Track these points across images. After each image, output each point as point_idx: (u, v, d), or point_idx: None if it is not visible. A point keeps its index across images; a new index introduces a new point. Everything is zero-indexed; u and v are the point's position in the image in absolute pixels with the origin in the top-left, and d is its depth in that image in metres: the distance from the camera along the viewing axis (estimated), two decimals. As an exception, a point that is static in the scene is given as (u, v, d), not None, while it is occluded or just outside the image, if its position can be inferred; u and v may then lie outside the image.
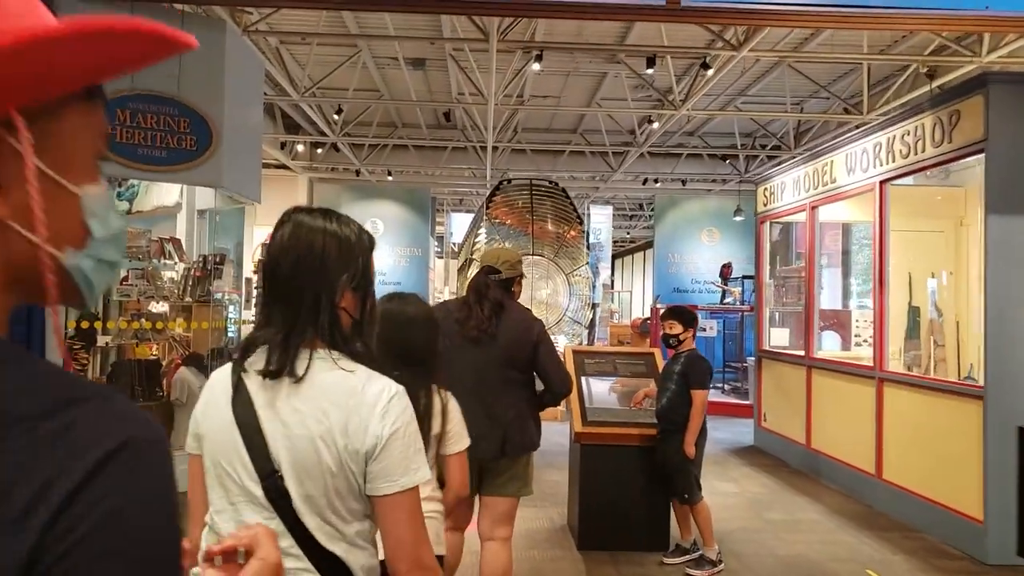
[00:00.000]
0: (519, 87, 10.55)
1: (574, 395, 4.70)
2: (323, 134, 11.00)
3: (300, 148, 12.10)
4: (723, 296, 12.99)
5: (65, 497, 0.50)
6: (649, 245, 24.98)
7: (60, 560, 0.50)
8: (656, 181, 14.22)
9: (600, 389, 4.91)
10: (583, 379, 4.90)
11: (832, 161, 6.86)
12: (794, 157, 11.34)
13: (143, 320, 6.37)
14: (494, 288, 3.39)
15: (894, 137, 5.85)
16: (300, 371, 1.34)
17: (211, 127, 6.12)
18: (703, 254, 15.11)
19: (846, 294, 9.88)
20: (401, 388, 1.37)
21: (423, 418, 2.10)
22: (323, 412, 1.32)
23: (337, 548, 1.32)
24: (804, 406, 7.17)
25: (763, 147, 12.95)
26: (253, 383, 1.37)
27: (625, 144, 13.29)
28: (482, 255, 3.90)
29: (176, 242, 6.89)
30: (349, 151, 12.50)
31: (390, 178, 13.91)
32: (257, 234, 11.69)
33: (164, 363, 6.42)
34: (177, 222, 7.64)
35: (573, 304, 10.92)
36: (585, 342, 10.77)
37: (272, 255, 1.43)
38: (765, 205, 8.50)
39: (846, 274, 9.93)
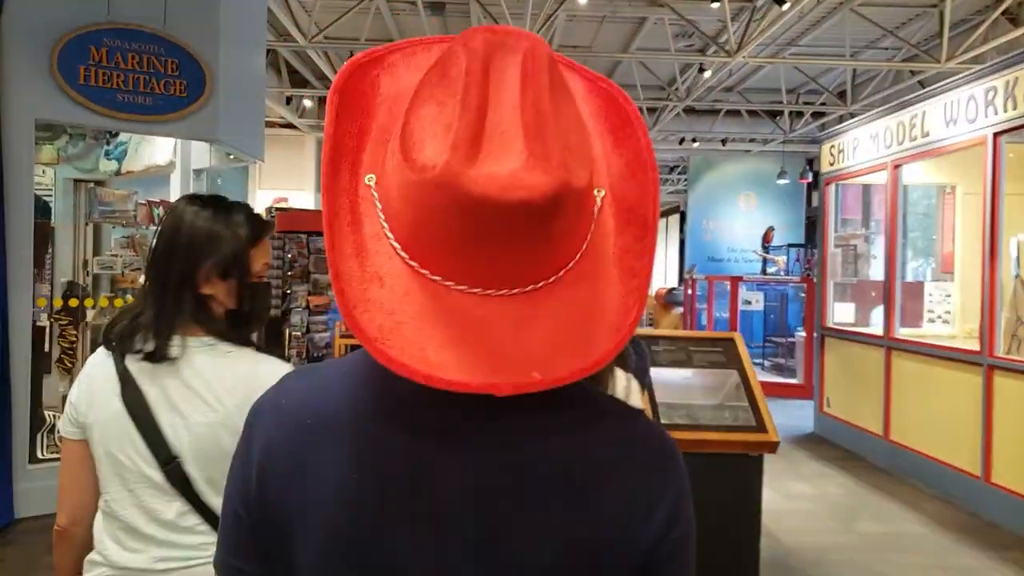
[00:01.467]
0: (548, 35, 9.56)
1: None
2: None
3: (308, 104, 11.17)
4: (764, 266, 12.06)
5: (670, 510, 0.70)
6: (675, 210, 23.97)
7: (665, 552, 0.69)
8: (694, 141, 13.21)
9: (673, 383, 4.05)
10: (650, 371, 4.03)
11: (924, 112, 5.89)
12: (852, 113, 10.34)
13: (128, 296, 5.55)
14: None
15: (1015, 81, 4.89)
16: (174, 355, 1.39)
17: (204, 70, 5.23)
18: (740, 220, 14.16)
19: (905, 264, 8.94)
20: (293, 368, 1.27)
21: None
22: (217, 399, 1.38)
23: None
24: (882, 392, 6.30)
25: (810, 103, 11.90)
26: (138, 372, 1.40)
27: (659, 100, 12.29)
28: None
29: (168, 206, 6.04)
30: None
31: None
32: (260, 197, 10.83)
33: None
34: (171, 183, 6.78)
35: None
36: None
37: (152, 242, 1.49)
38: (832, 164, 7.54)
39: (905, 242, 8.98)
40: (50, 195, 6.59)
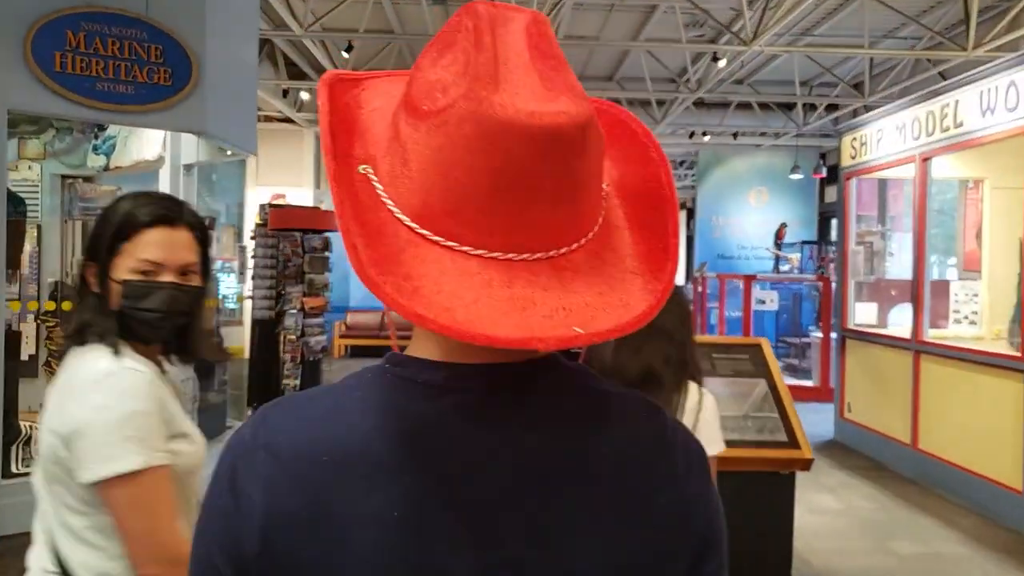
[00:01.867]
0: (554, 25, 9.21)
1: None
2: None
3: (305, 96, 10.83)
4: (777, 263, 11.71)
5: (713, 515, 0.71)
6: (681, 207, 23.64)
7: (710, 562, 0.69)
8: (704, 135, 12.85)
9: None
10: (672, 380, 3.71)
11: (957, 100, 5.54)
12: (868, 106, 9.98)
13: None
14: None
15: (1060, 63, 4.54)
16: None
17: (191, 57, 4.90)
18: (751, 217, 13.81)
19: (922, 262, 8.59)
20: (120, 368, 1.30)
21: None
22: (49, 400, 1.35)
23: (63, 543, 1.30)
24: (909, 398, 5.96)
25: (825, 95, 11.53)
26: None
27: (669, 92, 11.94)
28: None
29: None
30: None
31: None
32: (257, 194, 10.51)
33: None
34: (159, 179, 6.46)
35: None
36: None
37: None
38: (853, 158, 7.19)
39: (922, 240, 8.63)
40: (36, 192, 6.30)
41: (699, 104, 12.71)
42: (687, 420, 2.03)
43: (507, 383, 0.64)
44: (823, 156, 13.37)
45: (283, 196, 12.90)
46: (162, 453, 1.29)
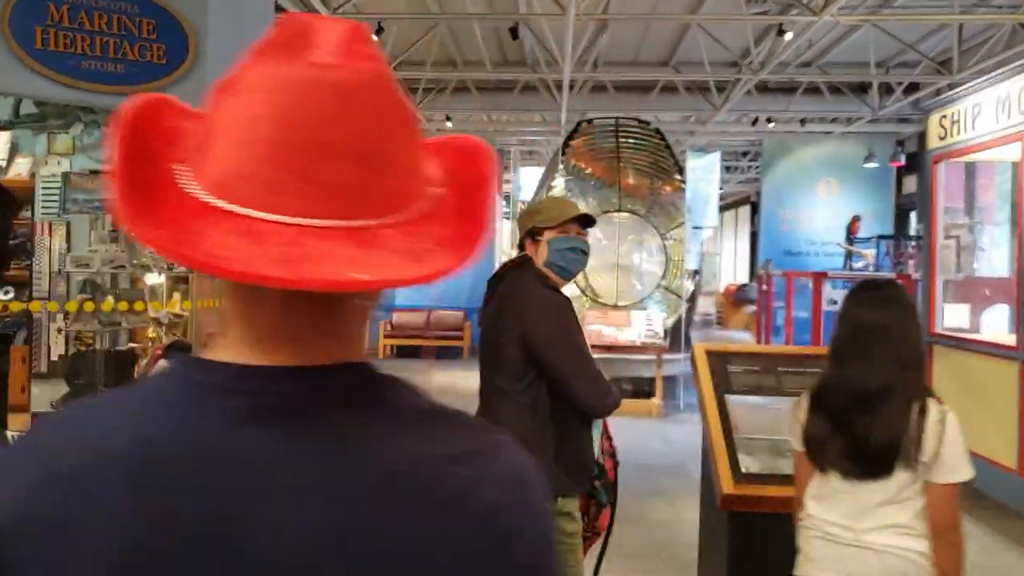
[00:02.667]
0: (602, 3, 8.53)
1: (715, 433, 2.85)
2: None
3: None
4: (848, 259, 10.75)
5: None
6: (745, 201, 22.54)
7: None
8: (769, 121, 11.95)
9: (759, 418, 3.03)
10: (726, 399, 3.02)
11: (1075, 63, 4.66)
12: (952, 85, 8.96)
13: (109, 298, 4.80)
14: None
15: None
16: None
17: (187, 33, 4.41)
18: (820, 210, 12.83)
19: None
20: None
21: (915, 438, 1.84)
22: None
23: None
24: (1015, 416, 5.09)
25: (906, 74, 10.51)
26: None
27: (729, 76, 11.10)
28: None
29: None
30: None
31: (449, 124, 12.09)
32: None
33: (146, 354, 4.87)
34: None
35: (669, 271, 8.96)
36: (683, 319, 8.81)
37: None
38: (943, 139, 6.29)
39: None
40: (58, 187, 6.01)
41: (763, 89, 11.82)
42: (929, 443, 1.84)
43: (291, 389, 0.58)
44: (901, 143, 12.30)
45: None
46: None
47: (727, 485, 2.68)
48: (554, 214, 2.38)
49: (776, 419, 3.24)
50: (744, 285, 18.43)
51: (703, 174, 14.73)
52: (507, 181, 15.96)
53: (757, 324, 11.69)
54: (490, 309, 2.34)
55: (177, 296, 5.14)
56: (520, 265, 2.38)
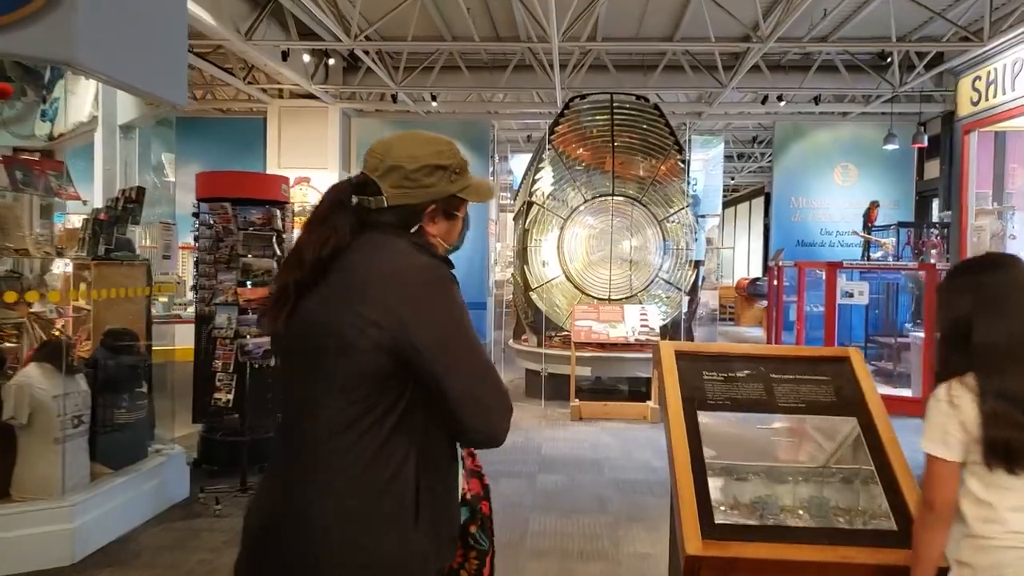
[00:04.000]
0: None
1: (679, 467, 2.11)
2: (339, 40, 8.45)
3: (306, 59, 9.66)
4: (866, 249, 9.90)
5: None
6: (759, 192, 21.63)
7: None
8: (780, 99, 11.11)
9: (741, 446, 2.28)
10: (699, 419, 2.26)
11: None
12: (985, 53, 8.10)
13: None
14: (346, 215, 1.49)
15: None
16: None
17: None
18: (836, 197, 11.98)
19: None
20: None
21: None
22: None
23: None
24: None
25: (930, 45, 9.64)
26: None
27: (735, 56, 10.29)
28: (370, 148, 1.58)
29: (55, 166, 4.60)
30: (379, 67, 9.99)
31: (434, 104, 11.34)
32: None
33: (23, 353, 4.18)
34: (95, 144, 5.36)
35: (668, 261, 8.18)
36: (685, 313, 8.03)
37: None
38: (976, 104, 5.48)
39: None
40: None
41: (774, 67, 11.00)
42: None
43: None
44: (923, 125, 11.42)
45: (307, 180, 11.89)
46: None
47: (692, 543, 1.92)
48: (483, 191, 1.62)
49: (768, 443, 2.47)
50: (756, 279, 17.60)
51: (710, 166, 13.91)
52: (508, 172, 15.18)
53: (768, 319, 10.89)
54: (317, 295, 1.44)
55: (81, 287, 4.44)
56: (401, 240, 1.49)
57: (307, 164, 11.46)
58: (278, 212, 4.59)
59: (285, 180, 4.87)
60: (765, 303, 15.57)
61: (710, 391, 2.35)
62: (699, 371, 2.42)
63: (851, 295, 8.02)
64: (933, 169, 11.86)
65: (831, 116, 12.44)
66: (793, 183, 12.16)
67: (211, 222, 4.35)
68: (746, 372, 2.42)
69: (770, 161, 17.08)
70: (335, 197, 1.51)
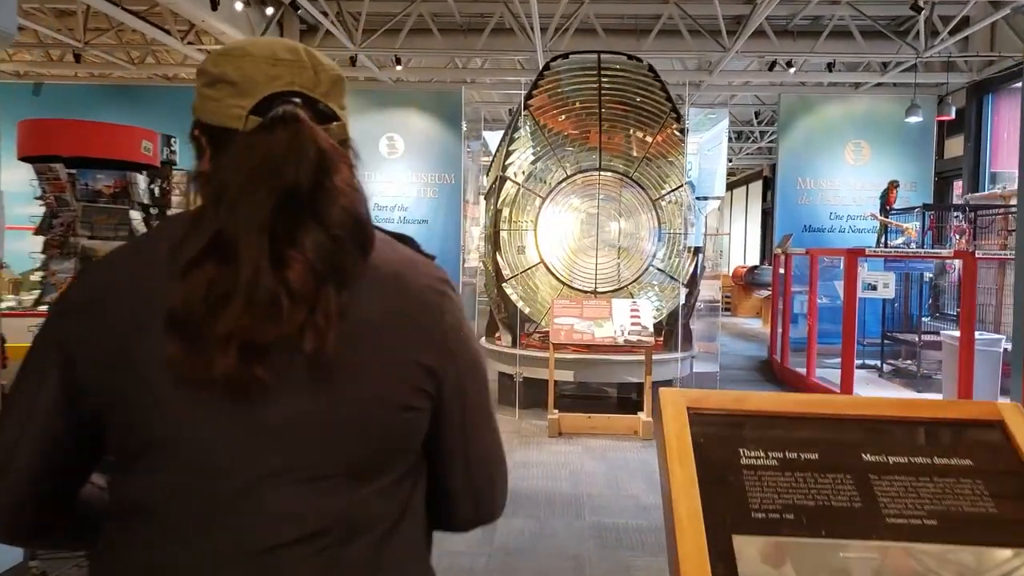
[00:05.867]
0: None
1: None
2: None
3: (238, 7, 8.44)
4: (884, 234, 8.82)
5: None
6: (757, 176, 20.55)
7: None
8: (789, 65, 10.02)
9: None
10: (735, 549, 1.15)
11: None
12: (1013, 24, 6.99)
13: None
14: (344, 168, 0.91)
15: None
16: None
17: None
18: (847, 177, 10.92)
19: None
20: None
21: None
22: None
23: None
24: None
25: (954, 14, 8.54)
26: None
27: (738, 21, 9.18)
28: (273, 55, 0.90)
29: None
30: (337, 27, 8.82)
31: (399, 68, 10.16)
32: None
33: None
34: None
35: (662, 249, 7.07)
36: (683, 307, 6.93)
37: None
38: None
39: None
40: None
41: (782, 32, 9.89)
42: None
43: None
44: (946, 96, 10.34)
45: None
46: None
47: None
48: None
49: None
50: (755, 268, 16.56)
51: (712, 142, 12.78)
52: (483, 147, 14.01)
53: (772, 312, 9.82)
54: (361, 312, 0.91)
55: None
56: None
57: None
58: (140, 178, 3.41)
59: (149, 135, 3.65)
60: (764, 293, 14.53)
61: (755, 492, 1.24)
62: (733, 448, 1.31)
63: (874, 287, 6.95)
64: (955, 147, 10.79)
65: (842, 88, 11.38)
66: (800, 163, 11.07)
67: (43, 190, 3.20)
68: (818, 452, 1.31)
69: (771, 141, 15.98)
70: None
